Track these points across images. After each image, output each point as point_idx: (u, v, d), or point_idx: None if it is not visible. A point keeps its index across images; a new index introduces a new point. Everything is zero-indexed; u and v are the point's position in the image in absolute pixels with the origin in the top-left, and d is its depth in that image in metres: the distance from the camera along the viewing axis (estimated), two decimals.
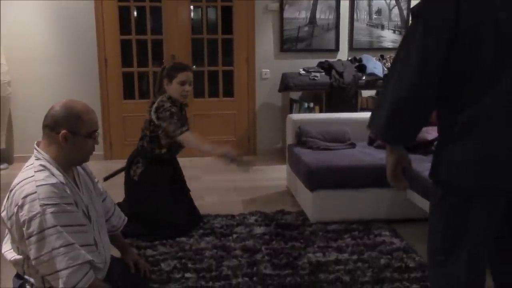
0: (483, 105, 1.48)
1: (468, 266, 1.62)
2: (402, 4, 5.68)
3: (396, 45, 5.72)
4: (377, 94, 5.58)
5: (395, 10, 5.68)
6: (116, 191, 3.43)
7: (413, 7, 1.53)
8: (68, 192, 1.79)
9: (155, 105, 3.18)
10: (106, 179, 3.55)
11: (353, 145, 3.95)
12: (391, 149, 1.68)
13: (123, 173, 3.45)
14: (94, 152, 1.96)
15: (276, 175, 4.74)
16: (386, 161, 1.70)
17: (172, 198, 3.30)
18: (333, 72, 5.12)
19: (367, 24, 5.66)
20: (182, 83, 3.20)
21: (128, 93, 5.54)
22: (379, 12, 5.66)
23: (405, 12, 5.69)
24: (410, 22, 1.59)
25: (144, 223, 3.20)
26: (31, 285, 1.84)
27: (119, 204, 3.37)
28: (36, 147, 1.85)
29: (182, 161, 3.63)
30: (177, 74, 3.19)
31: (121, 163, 5.25)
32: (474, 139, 1.49)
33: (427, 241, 1.76)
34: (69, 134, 1.81)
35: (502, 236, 1.69)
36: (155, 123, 3.17)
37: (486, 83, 1.47)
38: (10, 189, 1.78)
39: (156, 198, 3.22)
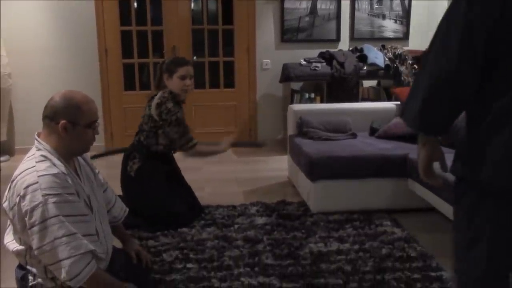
0: None
1: (486, 274, 1.44)
2: None
3: (398, 35, 5.71)
4: (378, 84, 5.57)
5: (397, 0, 5.65)
6: (118, 183, 3.43)
7: None
8: (70, 182, 1.79)
9: (156, 100, 3.15)
10: (95, 157, 3.50)
11: (354, 136, 3.94)
12: (423, 142, 1.51)
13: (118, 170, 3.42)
14: (95, 143, 1.96)
15: (277, 166, 4.74)
16: (418, 156, 1.54)
17: (169, 192, 3.29)
18: (334, 62, 5.10)
19: (368, 14, 5.63)
20: (183, 78, 3.17)
21: (129, 84, 5.53)
22: (380, 1, 5.63)
23: (406, 2, 5.65)
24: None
25: (143, 217, 3.20)
26: (34, 275, 1.85)
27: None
28: (36, 137, 1.85)
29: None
30: (177, 69, 3.16)
31: (121, 155, 5.27)
32: (504, 135, 1.31)
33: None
34: (68, 125, 1.80)
35: None
36: (155, 120, 3.16)
37: None
38: (12, 179, 1.78)
39: (154, 192, 3.21)
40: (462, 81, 1.33)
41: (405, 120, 1.49)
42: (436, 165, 1.53)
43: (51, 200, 1.70)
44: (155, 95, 3.23)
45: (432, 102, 1.38)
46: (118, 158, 5.16)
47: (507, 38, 1.28)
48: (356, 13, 5.60)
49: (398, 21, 5.70)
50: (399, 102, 4.16)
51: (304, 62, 5.22)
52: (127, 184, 3.31)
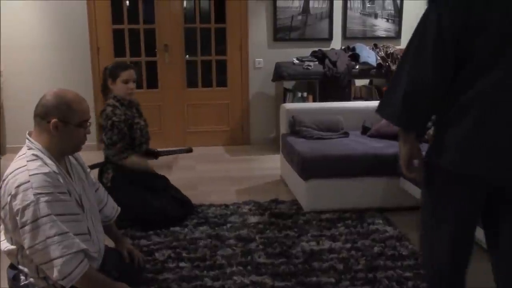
0: (477, 90, 1.50)
1: (450, 246, 1.69)
2: None
3: (390, 34, 5.73)
4: (370, 83, 5.58)
5: (388, 0, 5.67)
6: None
7: None
8: (61, 181, 1.78)
9: (103, 109, 3.23)
10: (160, 154, 3.59)
11: (346, 134, 3.95)
12: (404, 140, 1.67)
13: None
14: (87, 142, 1.96)
15: (270, 165, 4.74)
16: (399, 153, 1.70)
17: (150, 193, 3.27)
18: (327, 61, 5.11)
19: (360, 13, 5.65)
20: (126, 81, 3.23)
21: None
22: (372, 1, 5.64)
23: (398, 1, 5.68)
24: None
25: (134, 221, 3.20)
26: (25, 275, 1.84)
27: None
28: (28, 136, 1.85)
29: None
30: (120, 73, 3.23)
31: None
32: (463, 124, 1.53)
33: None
34: (60, 123, 1.80)
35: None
36: (103, 127, 3.21)
37: (483, 69, 1.49)
38: (3, 179, 1.77)
39: (134, 198, 3.18)
40: (436, 90, 1.55)
41: (385, 115, 1.68)
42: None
43: (43, 199, 1.69)
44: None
45: (411, 105, 1.58)
46: None
47: (472, 42, 1.48)
48: (349, 12, 5.62)
49: (390, 20, 5.72)
50: None
51: (296, 61, 5.22)
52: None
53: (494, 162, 1.51)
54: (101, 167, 3.33)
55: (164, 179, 3.53)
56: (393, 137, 3.69)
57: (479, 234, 1.80)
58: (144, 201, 3.20)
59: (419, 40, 1.56)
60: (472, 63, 1.51)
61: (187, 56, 5.58)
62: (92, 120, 1.95)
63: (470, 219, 1.68)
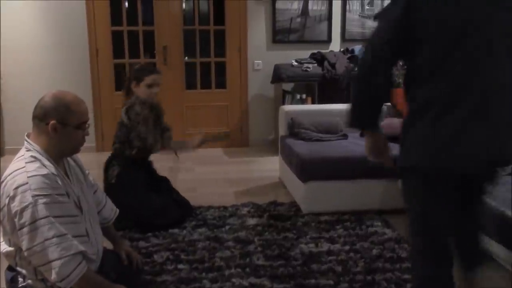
0: (435, 89, 1.64)
1: (430, 252, 1.81)
2: None
3: None
4: None
5: (388, 1, 5.66)
6: None
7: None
8: (60, 183, 1.78)
9: (124, 108, 3.20)
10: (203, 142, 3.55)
11: (345, 136, 3.96)
12: (366, 135, 1.90)
13: None
14: (85, 144, 1.95)
15: (269, 167, 4.74)
16: (365, 144, 1.91)
17: (152, 193, 3.28)
18: (326, 63, 5.11)
19: (359, 15, 5.65)
20: (150, 86, 3.20)
21: (120, 85, 5.49)
22: (371, 3, 5.65)
23: None
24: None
25: (133, 221, 3.20)
26: (23, 277, 1.83)
27: None
28: (26, 138, 1.84)
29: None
30: (144, 77, 3.20)
31: None
32: (424, 121, 1.66)
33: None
34: (58, 125, 1.79)
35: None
36: (126, 125, 3.17)
37: (438, 71, 1.63)
38: (1, 180, 1.77)
39: (137, 196, 3.20)
40: (379, 93, 1.78)
41: (347, 125, 1.89)
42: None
43: (41, 201, 1.69)
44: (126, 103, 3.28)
45: (357, 106, 1.81)
46: None
47: (420, 48, 1.64)
48: (347, 14, 5.62)
49: None
50: (389, 104, 4.18)
51: (295, 63, 5.23)
52: (110, 192, 3.28)
53: (458, 152, 1.63)
54: (107, 163, 3.32)
55: (167, 180, 3.52)
56: (391, 139, 3.69)
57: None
58: (147, 201, 3.21)
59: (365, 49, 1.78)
60: (428, 62, 1.65)
61: (186, 57, 5.58)
62: (91, 121, 1.95)
63: (445, 215, 1.79)
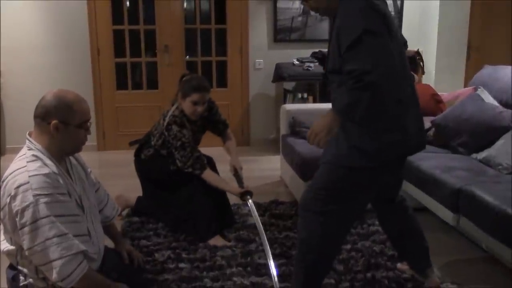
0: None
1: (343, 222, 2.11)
2: None
3: None
4: None
5: (389, 0, 5.66)
6: (111, 182, 3.44)
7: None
8: (61, 182, 1.78)
9: (167, 119, 3.08)
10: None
11: None
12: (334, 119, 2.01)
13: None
14: (87, 143, 1.95)
15: (270, 166, 4.74)
16: (321, 126, 2.02)
17: (179, 182, 3.18)
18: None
19: None
20: (195, 103, 3.06)
21: (121, 84, 5.51)
22: None
23: (398, 2, 5.67)
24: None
25: (164, 209, 3.22)
26: (25, 275, 1.84)
27: (139, 199, 3.37)
28: (28, 137, 1.84)
29: None
30: (191, 94, 3.04)
31: (114, 154, 5.26)
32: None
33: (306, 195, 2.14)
34: (60, 124, 1.80)
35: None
36: (166, 140, 3.11)
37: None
38: (2, 179, 1.77)
39: (167, 172, 3.16)
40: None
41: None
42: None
43: (42, 200, 1.69)
44: (173, 103, 3.20)
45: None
46: (110, 156, 5.17)
47: None
48: None
49: None
50: None
51: (296, 62, 5.22)
52: (142, 168, 3.33)
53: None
54: (141, 143, 3.31)
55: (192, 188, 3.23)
56: None
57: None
58: (174, 185, 3.19)
59: None
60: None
61: (187, 57, 5.58)
62: (92, 120, 1.95)
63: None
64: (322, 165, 2.09)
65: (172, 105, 3.20)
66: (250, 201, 2.98)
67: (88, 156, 2.68)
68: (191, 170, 3.04)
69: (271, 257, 2.55)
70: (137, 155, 3.33)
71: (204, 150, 3.21)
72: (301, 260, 2.16)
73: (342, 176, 2.00)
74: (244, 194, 3.00)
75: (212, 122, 3.36)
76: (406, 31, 5.69)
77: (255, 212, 2.88)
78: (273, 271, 2.48)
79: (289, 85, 5.45)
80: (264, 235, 2.71)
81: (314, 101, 5.18)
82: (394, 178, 2.29)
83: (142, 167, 3.31)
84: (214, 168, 3.34)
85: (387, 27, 1.87)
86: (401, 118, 1.97)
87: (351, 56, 1.82)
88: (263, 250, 2.81)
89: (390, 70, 1.80)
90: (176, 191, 3.19)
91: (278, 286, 2.42)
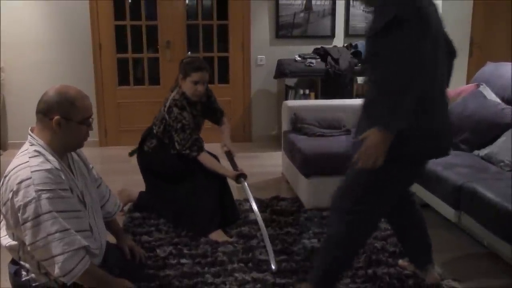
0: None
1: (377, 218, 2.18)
2: None
3: None
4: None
5: None
6: (113, 177, 3.44)
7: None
8: (63, 177, 1.78)
9: (168, 102, 3.14)
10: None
11: (348, 132, 3.94)
12: (384, 135, 1.86)
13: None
14: (88, 139, 1.96)
15: (272, 162, 4.74)
16: (375, 147, 1.88)
17: (182, 175, 3.21)
18: (329, 58, 5.10)
19: (363, 10, 5.63)
20: (195, 83, 3.13)
21: (123, 80, 5.51)
22: None
23: None
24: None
25: (166, 205, 3.23)
26: (27, 270, 1.84)
27: (141, 194, 3.37)
28: (30, 133, 1.85)
29: None
30: (191, 73, 3.11)
31: (115, 150, 5.26)
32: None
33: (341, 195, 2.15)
34: (62, 120, 1.80)
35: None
36: (167, 123, 3.14)
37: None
38: (5, 175, 1.77)
39: (170, 165, 3.21)
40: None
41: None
42: None
43: (44, 195, 1.69)
44: (174, 87, 3.26)
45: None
46: (112, 152, 5.17)
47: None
48: (351, 10, 5.60)
49: None
50: None
51: (298, 58, 5.22)
52: (144, 160, 3.34)
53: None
54: (145, 135, 3.33)
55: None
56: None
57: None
58: (176, 179, 3.20)
59: None
60: None
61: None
62: (94, 116, 1.95)
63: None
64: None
65: (171, 91, 3.25)
66: (244, 183, 3.08)
67: (90, 152, 2.68)
68: (188, 152, 3.08)
69: (266, 234, 2.79)
70: (140, 147, 3.35)
71: (206, 146, 3.20)
72: (324, 254, 2.19)
73: (376, 172, 1.94)
74: (239, 177, 3.09)
75: (210, 110, 3.41)
76: None
77: (249, 194, 3.01)
78: (269, 248, 2.67)
79: (291, 81, 5.44)
80: (260, 216, 2.93)
81: (316, 98, 5.18)
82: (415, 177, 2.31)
83: (145, 160, 3.33)
84: None
85: (424, 23, 1.82)
86: (426, 117, 1.95)
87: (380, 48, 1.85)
88: (265, 246, 2.82)
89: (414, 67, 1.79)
90: (179, 184, 3.20)
91: (274, 262, 2.61)
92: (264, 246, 2.84)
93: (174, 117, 3.08)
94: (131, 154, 3.46)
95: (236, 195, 3.75)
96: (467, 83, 4.70)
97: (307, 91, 5.23)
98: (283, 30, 5.52)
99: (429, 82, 1.88)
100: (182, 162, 3.16)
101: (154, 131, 3.25)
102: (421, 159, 2.12)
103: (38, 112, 1.82)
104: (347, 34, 5.65)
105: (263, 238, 2.85)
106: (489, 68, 3.71)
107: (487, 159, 3.07)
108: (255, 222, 3.18)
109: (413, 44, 1.78)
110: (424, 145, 1.99)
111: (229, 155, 3.30)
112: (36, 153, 1.77)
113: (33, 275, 1.84)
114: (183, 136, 3.07)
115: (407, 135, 1.88)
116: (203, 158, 3.11)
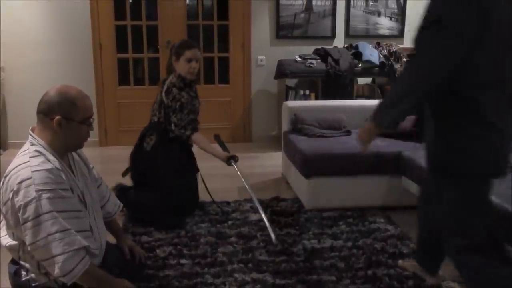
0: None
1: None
2: None
3: (393, 32, 5.71)
4: (373, 81, 5.58)
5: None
6: (113, 178, 3.43)
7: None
8: (64, 177, 1.78)
9: (165, 87, 3.24)
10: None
11: (348, 133, 3.95)
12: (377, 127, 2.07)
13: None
14: (89, 139, 1.95)
15: (272, 162, 4.74)
16: (366, 133, 2.11)
17: (179, 174, 3.30)
18: (329, 59, 5.10)
19: (363, 11, 5.63)
20: (189, 60, 3.23)
21: (123, 80, 5.51)
22: None
23: (401, 1, 5.66)
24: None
25: (149, 195, 3.24)
26: (27, 270, 1.84)
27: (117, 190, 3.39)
28: (31, 132, 1.85)
29: None
30: (184, 52, 3.24)
31: (116, 150, 5.26)
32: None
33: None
34: (63, 120, 1.80)
35: None
36: (166, 105, 3.21)
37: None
38: (5, 175, 1.77)
39: (165, 170, 3.24)
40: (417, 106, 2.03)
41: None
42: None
43: (45, 195, 1.69)
44: (166, 79, 3.33)
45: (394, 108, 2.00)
46: (112, 152, 5.17)
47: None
48: (352, 10, 5.60)
49: (393, 19, 5.71)
50: None
51: (299, 59, 5.22)
52: (140, 158, 3.35)
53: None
54: (145, 132, 3.34)
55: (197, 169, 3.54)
56: (395, 135, 3.69)
57: None
58: (172, 180, 3.23)
59: None
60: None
61: None
62: (94, 116, 1.95)
63: None
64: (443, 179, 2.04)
65: (167, 70, 3.40)
66: (234, 165, 3.22)
67: (90, 152, 2.68)
68: (183, 131, 3.18)
69: (261, 208, 2.92)
70: (139, 145, 3.34)
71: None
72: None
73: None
74: (230, 158, 3.25)
75: None
76: (408, 29, 5.69)
77: (241, 176, 3.18)
78: (266, 220, 2.81)
79: (291, 82, 5.44)
80: (252, 189, 3.08)
81: (316, 98, 5.17)
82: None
83: (144, 158, 3.33)
84: None
85: (485, 25, 1.74)
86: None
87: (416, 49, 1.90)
88: (265, 247, 2.82)
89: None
90: (174, 181, 3.25)
91: (274, 235, 2.74)
92: (265, 246, 2.84)
93: (172, 97, 3.17)
94: (124, 174, 3.47)
95: (236, 196, 3.76)
96: None
97: (307, 92, 5.23)
98: (284, 31, 5.52)
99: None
100: (182, 158, 3.23)
101: (155, 119, 3.28)
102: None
103: (39, 112, 1.82)
104: (347, 34, 5.65)
105: (262, 239, 2.85)
106: None
107: None
108: (255, 222, 3.19)
109: (441, 47, 1.76)
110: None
111: (218, 138, 3.44)
112: (36, 153, 1.77)
113: (33, 275, 1.84)
114: (181, 116, 3.16)
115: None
116: (196, 138, 3.24)
